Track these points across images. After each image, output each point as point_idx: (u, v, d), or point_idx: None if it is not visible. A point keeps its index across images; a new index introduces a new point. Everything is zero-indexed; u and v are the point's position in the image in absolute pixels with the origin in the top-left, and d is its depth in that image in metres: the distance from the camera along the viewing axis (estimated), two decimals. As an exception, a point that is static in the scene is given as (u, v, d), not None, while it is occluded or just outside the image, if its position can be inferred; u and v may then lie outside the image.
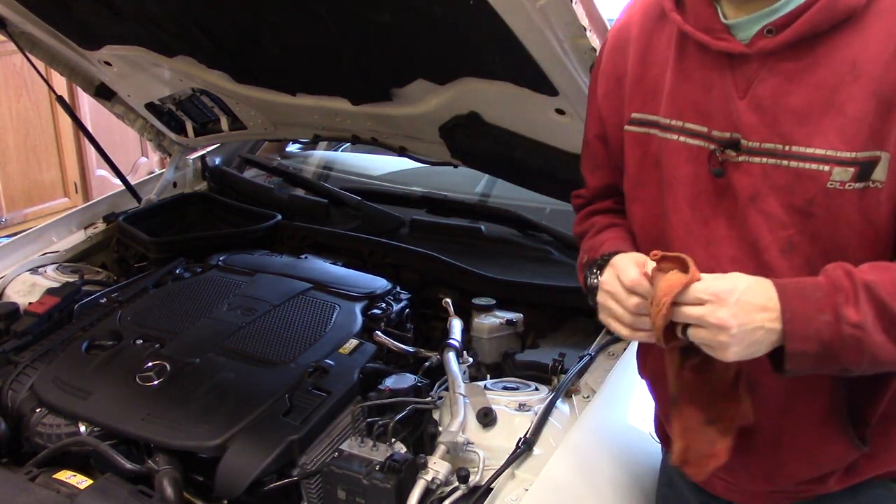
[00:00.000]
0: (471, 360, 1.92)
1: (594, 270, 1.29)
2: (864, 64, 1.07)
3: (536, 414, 1.64)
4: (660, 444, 1.53)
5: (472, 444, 1.57)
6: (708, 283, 1.06)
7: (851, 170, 1.07)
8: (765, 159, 1.13)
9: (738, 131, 1.15)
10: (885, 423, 1.21)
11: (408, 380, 1.74)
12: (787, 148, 1.11)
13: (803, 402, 1.20)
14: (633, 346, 1.85)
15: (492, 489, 1.48)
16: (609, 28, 1.41)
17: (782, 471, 1.25)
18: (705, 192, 1.20)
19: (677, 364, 1.17)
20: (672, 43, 1.23)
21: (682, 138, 1.21)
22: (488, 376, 1.91)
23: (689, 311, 1.06)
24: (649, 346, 1.32)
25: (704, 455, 1.19)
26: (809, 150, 1.10)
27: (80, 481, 1.61)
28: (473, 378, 1.89)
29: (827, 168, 1.09)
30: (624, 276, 1.16)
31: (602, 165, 1.42)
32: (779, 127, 1.12)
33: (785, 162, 1.12)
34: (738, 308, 1.04)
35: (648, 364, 1.40)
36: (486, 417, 1.64)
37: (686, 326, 1.08)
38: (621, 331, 1.19)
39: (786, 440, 1.23)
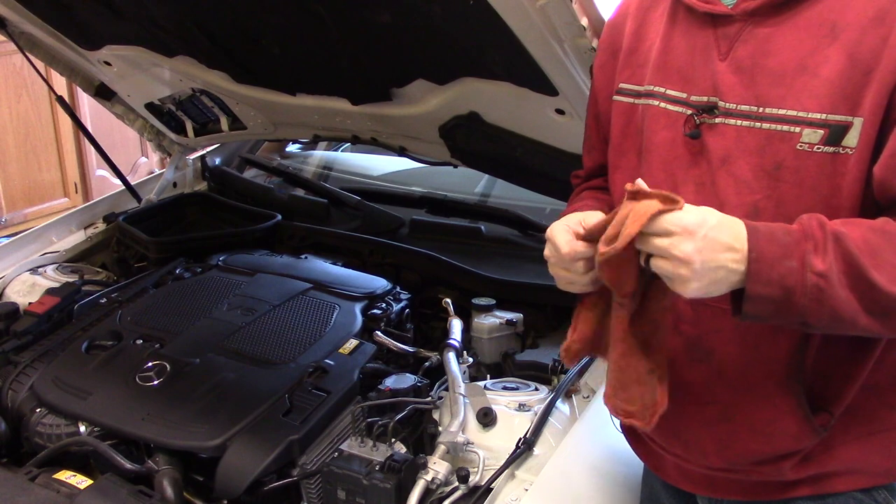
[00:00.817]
0: (471, 360, 1.93)
1: None
2: (842, 27, 1.08)
3: (536, 414, 1.64)
4: (622, 434, 1.51)
5: (472, 444, 1.57)
6: (677, 215, 1.04)
7: (821, 132, 1.08)
8: (739, 121, 1.14)
9: (717, 94, 1.16)
10: (847, 417, 1.20)
11: (408, 380, 1.74)
12: (761, 110, 1.12)
13: (759, 374, 1.19)
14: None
15: (492, 489, 1.48)
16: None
17: (735, 445, 1.24)
18: (679, 157, 1.21)
19: (626, 321, 1.16)
20: (665, 16, 1.27)
21: (662, 104, 1.24)
22: (488, 376, 1.91)
23: (655, 242, 1.04)
24: None
25: (649, 405, 1.19)
26: (782, 112, 1.11)
27: (80, 481, 1.61)
28: (473, 378, 1.89)
29: (797, 129, 1.09)
30: (560, 247, 1.17)
31: (595, 146, 1.45)
32: (755, 88, 1.13)
33: (758, 124, 1.13)
34: (704, 243, 1.02)
35: None
36: (486, 417, 1.64)
37: (649, 256, 1.06)
38: (583, 291, 1.22)
39: (739, 412, 1.22)
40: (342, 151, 3.51)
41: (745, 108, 1.14)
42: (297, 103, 2.39)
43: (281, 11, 1.92)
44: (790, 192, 1.11)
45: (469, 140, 2.24)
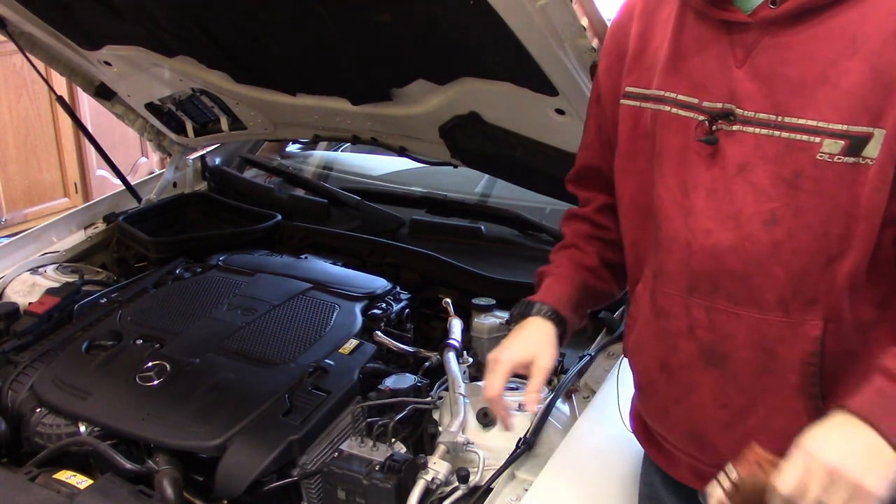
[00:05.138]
0: (471, 360, 1.92)
1: (517, 313, 1.47)
2: (863, 39, 1.08)
3: (536, 414, 1.64)
4: (633, 434, 1.51)
5: (472, 444, 1.57)
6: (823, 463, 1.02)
7: (842, 143, 1.08)
8: (758, 129, 1.14)
9: (734, 101, 1.16)
10: None
11: (408, 380, 1.74)
12: (780, 118, 1.12)
13: (775, 378, 1.20)
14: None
15: (492, 489, 1.48)
16: (608, 27, 1.43)
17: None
18: (691, 162, 1.21)
19: None
20: (672, 18, 1.26)
21: (673, 110, 1.23)
22: (488, 376, 1.91)
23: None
24: (636, 316, 1.35)
25: None
26: (801, 121, 1.10)
27: (80, 481, 1.61)
28: (473, 378, 1.89)
29: (818, 140, 1.09)
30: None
31: (591, 145, 1.47)
32: (774, 97, 1.13)
33: (777, 132, 1.13)
34: (875, 475, 1.02)
35: (633, 335, 1.38)
36: (486, 417, 1.64)
37: None
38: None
39: (754, 414, 1.23)
40: (342, 151, 3.51)
41: (763, 116, 1.14)
42: (297, 103, 2.39)
43: (281, 11, 1.92)
44: (809, 200, 1.12)
45: (469, 140, 2.24)
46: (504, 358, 1.37)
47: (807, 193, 1.12)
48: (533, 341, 1.39)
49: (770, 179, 1.14)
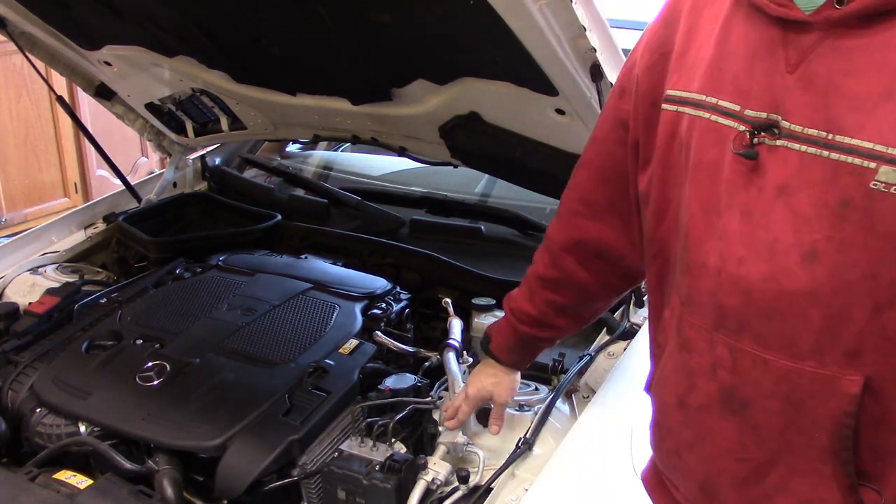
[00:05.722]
0: (471, 360, 1.92)
1: (483, 345, 1.65)
2: None
3: (536, 414, 1.64)
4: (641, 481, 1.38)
5: (472, 444, 1.57)
6: None
7: None
8: (805, 147, 0.98)
9: (780, 111, 1.01)
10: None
11: (408, 380, 1.74)
12: (830, 136, 0.96)
13: (800, 435, 1.06)
14: (633, 347, 1.85)
15: (492, 489, 1.48)
16: (607, 28, 1.40)
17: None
18: (727, 179, 1.06)
19: None
20: (720, 15, 1.11)
21: (713, 117, 1.08)
22: (488, 376, 1.91)
23: None
24: (663, 345, 1.23)
25: None
26: (856, 142, 0.94)
27: (80, 481, 1.61)
28: (473, 378, 1.89)
29: (873, 165, 0.93)
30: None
31: (604, 139, 1.34)
32: (828, 110, 0.97)
33: (826, 152, 0.96)
34: None
35: (659, 367, 1.25)
36: (487, 418, 1.64)
37: None
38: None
39: (774, 473, 1.10)
40: (342, 151, 3.51)
41: (812, 131, 0.97)
42: (297, 103, 2.39)
43: (281, 11, 1.92)
44: (857, 235, 0.96)
45: (469, 140, 2.24)
46: (471, 395, 1.61)
47: (854, 226, 0.95)
48: (492, 381, 1.62)
49: (813, 206, 0.98)
